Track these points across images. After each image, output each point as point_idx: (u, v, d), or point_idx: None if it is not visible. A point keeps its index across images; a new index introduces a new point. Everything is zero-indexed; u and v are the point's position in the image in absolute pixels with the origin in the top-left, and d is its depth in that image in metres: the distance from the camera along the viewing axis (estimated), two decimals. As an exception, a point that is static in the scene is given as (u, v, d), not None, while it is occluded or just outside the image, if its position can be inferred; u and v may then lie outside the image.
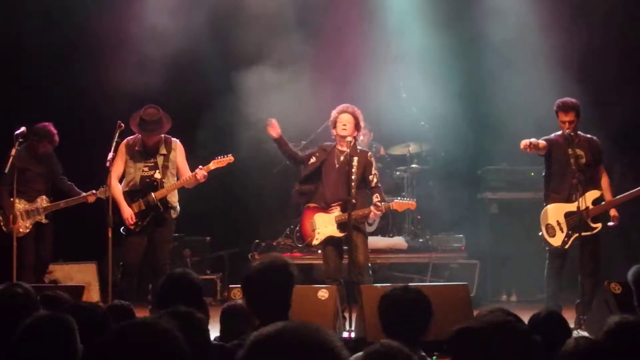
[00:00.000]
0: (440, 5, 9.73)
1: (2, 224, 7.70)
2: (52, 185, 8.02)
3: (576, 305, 7.00)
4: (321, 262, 7.48)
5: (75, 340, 2.82)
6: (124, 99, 8.53)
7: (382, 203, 7.02)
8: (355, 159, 6.99)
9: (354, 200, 6.86)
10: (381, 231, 9.41)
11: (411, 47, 9.65)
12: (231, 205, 9.85)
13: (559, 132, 7.18)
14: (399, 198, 7.60)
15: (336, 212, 7.10)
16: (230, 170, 7.61)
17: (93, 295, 8.67)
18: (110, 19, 9.35)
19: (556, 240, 7.07)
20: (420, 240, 9.53)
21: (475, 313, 5.53)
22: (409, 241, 9.44)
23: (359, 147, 7.32)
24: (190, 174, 7.26)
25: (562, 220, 7.05)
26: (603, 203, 7.06)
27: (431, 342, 3.69)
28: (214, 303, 8.92)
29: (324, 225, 7.13)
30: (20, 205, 7.74)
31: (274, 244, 9.49)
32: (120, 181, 7.30)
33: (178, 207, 7.39)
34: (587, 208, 6.87)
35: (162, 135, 7.34)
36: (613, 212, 7.10)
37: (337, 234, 7.07)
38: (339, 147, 7.18)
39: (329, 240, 7.14)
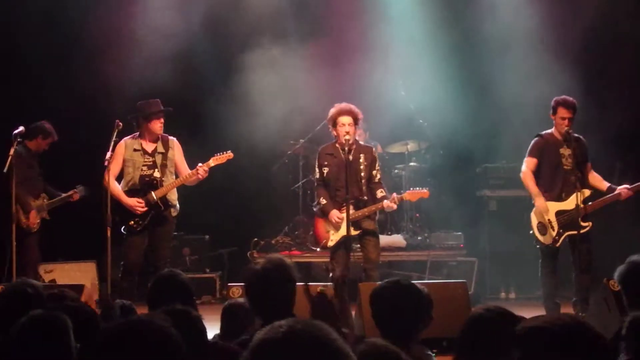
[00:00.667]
0: (440, 3, 9.74)
1: (22, 219, 7.75)
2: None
3: (573, 303, 7.00)
4: (320, 260, 7.43)
5: (70, 339, 2.83)
6: (122, 98, 8.54)
7: (396, 194, 6.95)
8: (362, 156, 6.92)
9: (365, 197, 6.85)
10: (380, 229, 9.38)
11: (410, 44, 9.66)
12: (230, 203, 9.85)
13: (550, 130, 7.18)
14: (411, 188, 7.40)
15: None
16: (229, 168, 7.62)
17: (92, 294, 8.67)
18: (109, 18, 9.37)
19: (547, 239, 7.08)
20: (419, 238, 9.54)
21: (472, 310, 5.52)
22: (407, 239, 9.45)
23: (362, 143, 7.24)
24: (189, 171, 7.26)
25: (554, 219, 7.05)
26: (602, 198, 7.07)
27: (430, 339, 3.68)
28: (214, 301, 8.95)
29: (338, 225, 6.94)
30: (34, 202, 7.91)
31: (273, 242, 9.49)
32: (119, 181, 7.29)
33: (178, 205, 7.38)
34: (585, 206, 6.88)
35: (160, 134, 7.35)
36: (624, 191, 7.06)
37: (352, 232, 6.78)
38: (340, 147, 6.96)
39: (342, 242, 6.87)
